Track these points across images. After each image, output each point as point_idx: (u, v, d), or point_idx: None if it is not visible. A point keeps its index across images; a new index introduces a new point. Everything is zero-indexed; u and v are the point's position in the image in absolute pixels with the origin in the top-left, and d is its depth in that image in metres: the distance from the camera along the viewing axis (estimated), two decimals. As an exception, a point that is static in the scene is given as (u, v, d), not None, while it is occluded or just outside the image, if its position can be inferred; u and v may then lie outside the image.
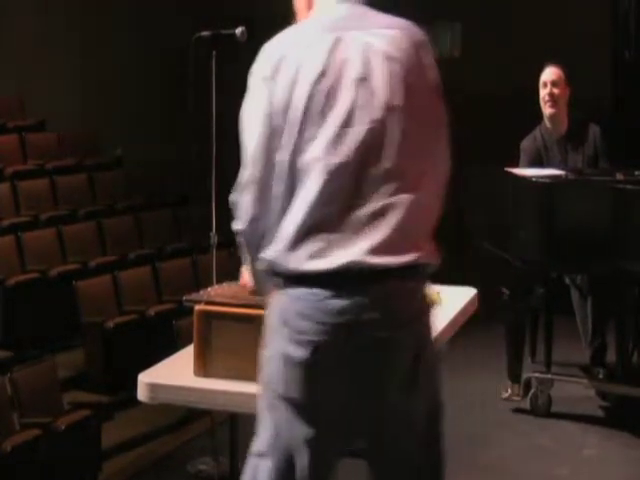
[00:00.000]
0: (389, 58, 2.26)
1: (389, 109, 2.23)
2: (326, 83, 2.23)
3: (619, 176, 5.23)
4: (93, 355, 5.79)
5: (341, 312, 2.16)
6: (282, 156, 2.24)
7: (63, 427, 4.58)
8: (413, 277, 2.22)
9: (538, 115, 5.67)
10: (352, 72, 2.24)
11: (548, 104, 5.59)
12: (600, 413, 5.40)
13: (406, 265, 2.18)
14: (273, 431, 2.29)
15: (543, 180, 5.18)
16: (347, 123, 2.22)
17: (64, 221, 6.89)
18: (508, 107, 7.88)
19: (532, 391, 5.37)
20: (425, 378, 2.27)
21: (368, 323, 2.16)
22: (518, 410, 5.38)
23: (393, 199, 2.20)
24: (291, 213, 2.23)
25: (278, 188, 2.25)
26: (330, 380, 2.21)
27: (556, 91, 5.57)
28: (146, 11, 9.24)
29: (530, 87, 5.70)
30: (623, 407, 5.38)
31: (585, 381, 5.45)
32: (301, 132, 2.22)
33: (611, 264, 4.93)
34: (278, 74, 2.26)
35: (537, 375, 5.41)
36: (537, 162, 5.58)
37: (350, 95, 2.23)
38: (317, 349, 2.18)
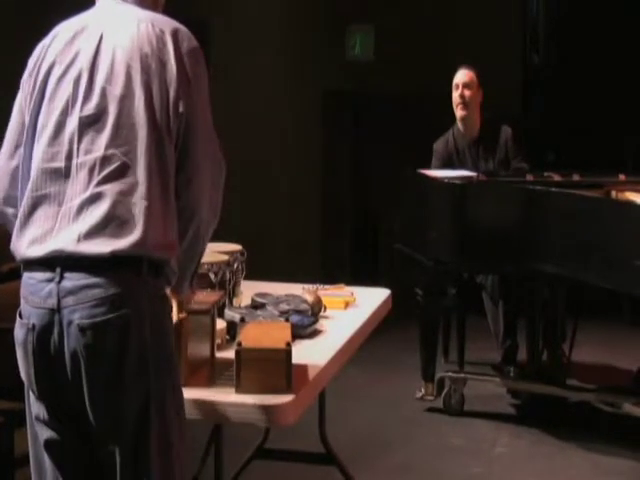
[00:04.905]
0: (120, 48, 2.28)
1: (109, 98, 2.25)
2: (56, 73, 2.31)
3: (529, 177, 5.32)
4: (0, 362, 5.66)
5: (48, 296, 2.21)
6: (25, 147, 2.35)
7: (-28, 436, 4.48)
8: (118, 265, 2.18)
9: (452, 117, 5.72)
10: (81, 62, 2.30)
11: (460, 106, 5.62)
12: (512, 411, 5.49)
13: (113, 254, 2.17)
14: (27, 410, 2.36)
15: (455, 181, 5.23)
16: (65, 112, 2.28)
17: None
18: (422, 109, 7.95)
19: (445, 390, 5.43)
20: (133, 374, 2.20)
21: (72, 309, 2.18)
22: (431, 409, 5.44)
23: (102, 188, 2.21)
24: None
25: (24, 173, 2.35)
26: (42, 364, 2.25)
27: (468, 93, 5.61)
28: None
29: (443, 89, 5.74)
30: (533, 404, 5.47)
31: (497, 380, 5.53)
32: (37, 121, 2.31)
33: (522, 265, 5.00)
34: (32, 68, 2.38)
35: (450, 374, 5.47)
36: (448, 165, 5.63)
37: (72, 85, 2.28)
38: (30, 331, 2.24)
